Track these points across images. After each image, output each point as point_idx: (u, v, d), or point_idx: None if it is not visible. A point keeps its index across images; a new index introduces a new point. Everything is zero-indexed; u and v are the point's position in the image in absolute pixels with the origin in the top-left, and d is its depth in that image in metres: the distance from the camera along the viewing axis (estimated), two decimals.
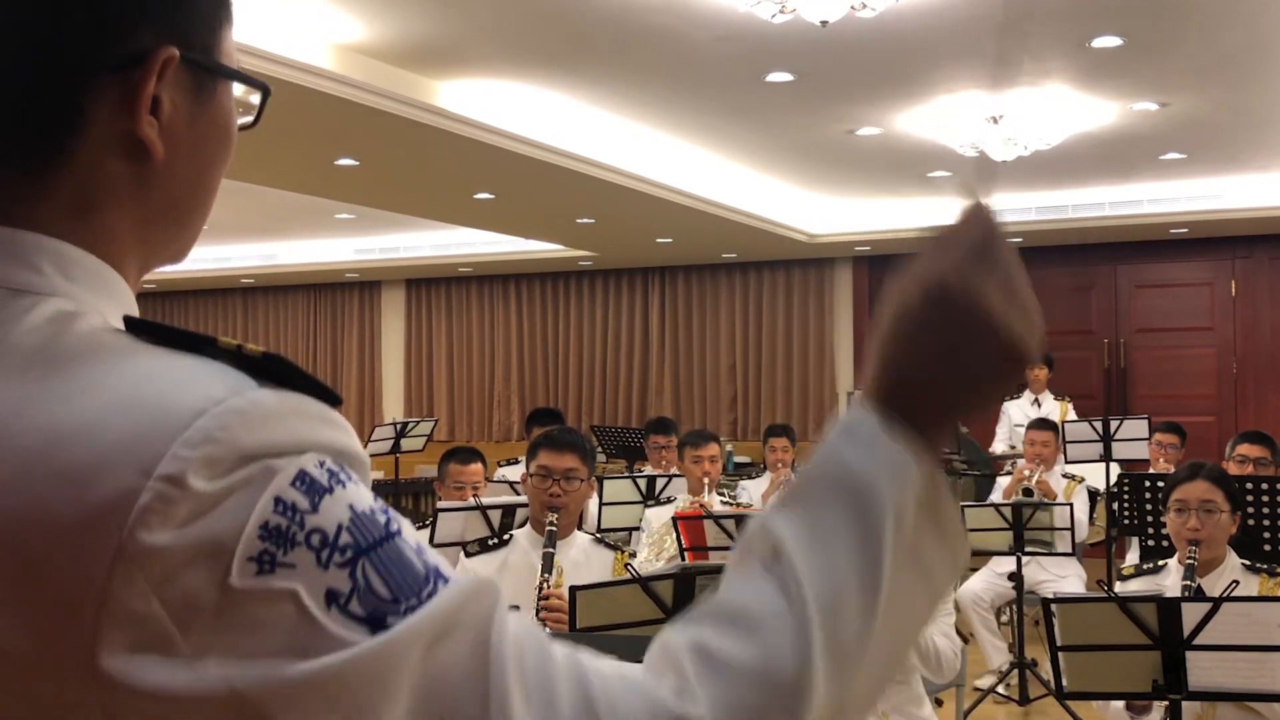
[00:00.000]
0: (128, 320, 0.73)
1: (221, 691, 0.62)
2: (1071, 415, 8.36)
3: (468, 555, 3.55)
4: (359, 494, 0.68)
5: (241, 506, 0.64)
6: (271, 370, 0.69)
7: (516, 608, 2.80)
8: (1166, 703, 2.89)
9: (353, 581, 0.65)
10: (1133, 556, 6.01)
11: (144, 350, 0.70)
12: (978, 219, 0.81)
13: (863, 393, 0.80)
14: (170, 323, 0.73)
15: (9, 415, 0.67)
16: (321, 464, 0.67)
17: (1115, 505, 6.24)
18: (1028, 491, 6.73)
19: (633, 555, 3.75)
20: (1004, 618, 6.62)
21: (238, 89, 0.85)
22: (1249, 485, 4.39)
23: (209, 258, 11.95)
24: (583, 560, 3.54)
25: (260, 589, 0.63)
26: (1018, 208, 10.07)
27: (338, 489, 0.67)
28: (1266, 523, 4.35)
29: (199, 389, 0.67)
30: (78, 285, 0.75)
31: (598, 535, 3.78)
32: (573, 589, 2.80)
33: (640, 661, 0.70)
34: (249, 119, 0.87)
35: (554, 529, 3.44)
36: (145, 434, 0.64)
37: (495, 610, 0.68)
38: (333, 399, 0.71)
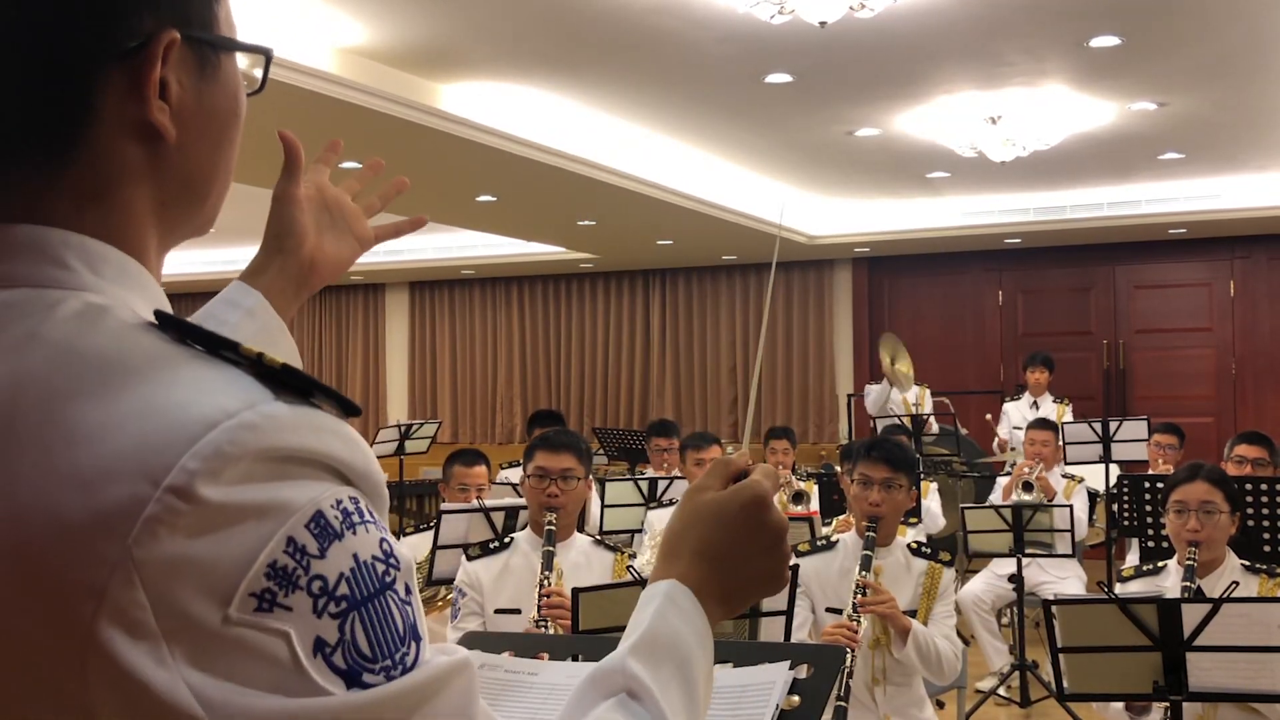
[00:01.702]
0: (159, 315, 0.73)
1: (193, 709, 0.63)
2: (1069, 418, 8.37)
3: (469, 559, 3.55)
4: (366, 540, 0.69)
5: (253, 538, 0.65)
6: (289, 382, 0.70)
7: (518, 611, 2.80)
8: (1167, 704, 2.89)
9: (340, 634, 0.66)
10: (1132, 558, 6.02)
11: (167, 353, 0.71)
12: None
13: (684, 571, 0.99)
14: None
15: (33, 406, 0.68)
16: (338, 503, 0.68)
17: (1115, 506, 6.25)
18: (1028, 486, 6.74)
19: (633, 557, 3.76)
20: (1005, 619, 6.63)
21: (241, 60, 0.85)
22: (1248, 486, 4.40)
23: (215, 260, 11.96)
24: (583, 562, 3.55)
25: (255, 624, 0.64)
26: (1017, 208, 10.09)
27: (348, 535, 0.68)
28: (1266, 523, 4.36)
29: (214, 400, 0.67)
30: (105, 279, 0.75)
31: (598, 537, 3.78)
32: (575, 591, 2.81)
33: None
34: (254, 89, 0.88)
35: (553, 529, 3.45)
36: (156, 443, 0.65)
37: (474, 689, 0.73)
38: (350, 410, 0.72)
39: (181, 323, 0.72)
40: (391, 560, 0.70)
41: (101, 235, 0.77)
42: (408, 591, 0.71)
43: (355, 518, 0.69)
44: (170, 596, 0.63)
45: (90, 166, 0.76)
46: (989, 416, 8.98)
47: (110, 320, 0.72)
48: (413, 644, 0.70)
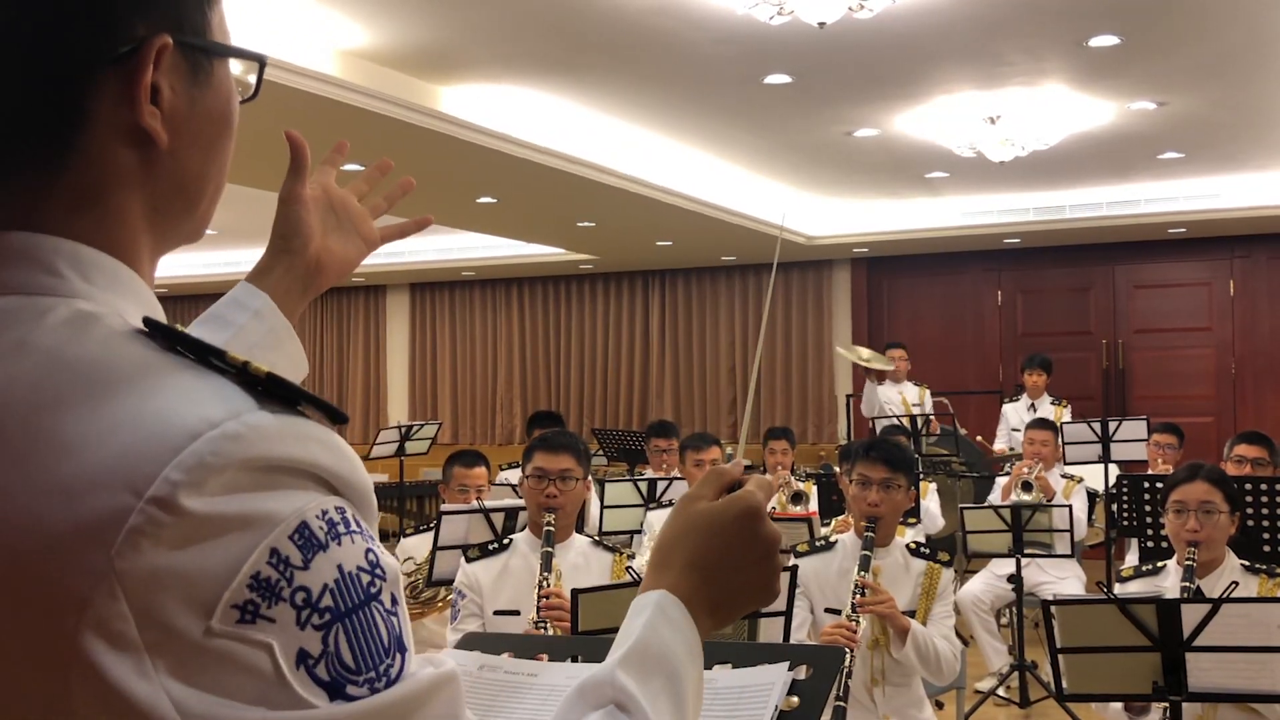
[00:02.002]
0: (148, 322, 0.73)
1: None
2: (1068, 419, 8.36)
3: (468, 560, 3.55)
4: (351, 550, 0.69)
5: (236, 549, 0.65)
6: (275, 390, 0.70)
7: (517, 612, 2.80)
8: (1166, 704, 2.90)
9: (323, 646, 0.66)
10: (1132, 558, 6.01)
11: (154, 361, 0.70)
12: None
13: (675, 582, 0.98)
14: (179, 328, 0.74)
15: (20, 415, 0.68)
16: (323, 514, 0.68)
17: (1114, 506, 6.25)
18: (1027, 486, 6.74)
19: (632, 558, 3.76)
20: (1004, 620, 6.63)
21: (235, 66, 0.85)
22: (1247, 486, 4.40)
23: (217, 262, 11.98)
24: (582, 563, 3.55)
25: (238, 636, 0.64)
26: (1016, 208, 10.09)
27: (332, 546, 0.68)
28: (1265, 523, 4.36)
29: (197, 410, 0.67)
30: (96, 286, 0.75)
31: (596, 538, 3.78)
32: (574, 592, 2.81)
33: None
34: (248, 95, 0.88)
35: (552, 530, 3.45)
36: (140, 453, 0.65)
37: (459, 701, 0.72)
38: (338, 418, 0.72)
39: (170, 330, 0.72)
40: (377, 571, 0.70)
41: (94, 241, 0.77)
42: (394, 602, 0.70)
43: (341, 528, 0.68)
44: (153, 608, 0.63)
45: (83, 171, 0.76)
46: (979, 439, 8.95)
47: (99, 328, 0.72)
48: (397, 655, 0.69)
